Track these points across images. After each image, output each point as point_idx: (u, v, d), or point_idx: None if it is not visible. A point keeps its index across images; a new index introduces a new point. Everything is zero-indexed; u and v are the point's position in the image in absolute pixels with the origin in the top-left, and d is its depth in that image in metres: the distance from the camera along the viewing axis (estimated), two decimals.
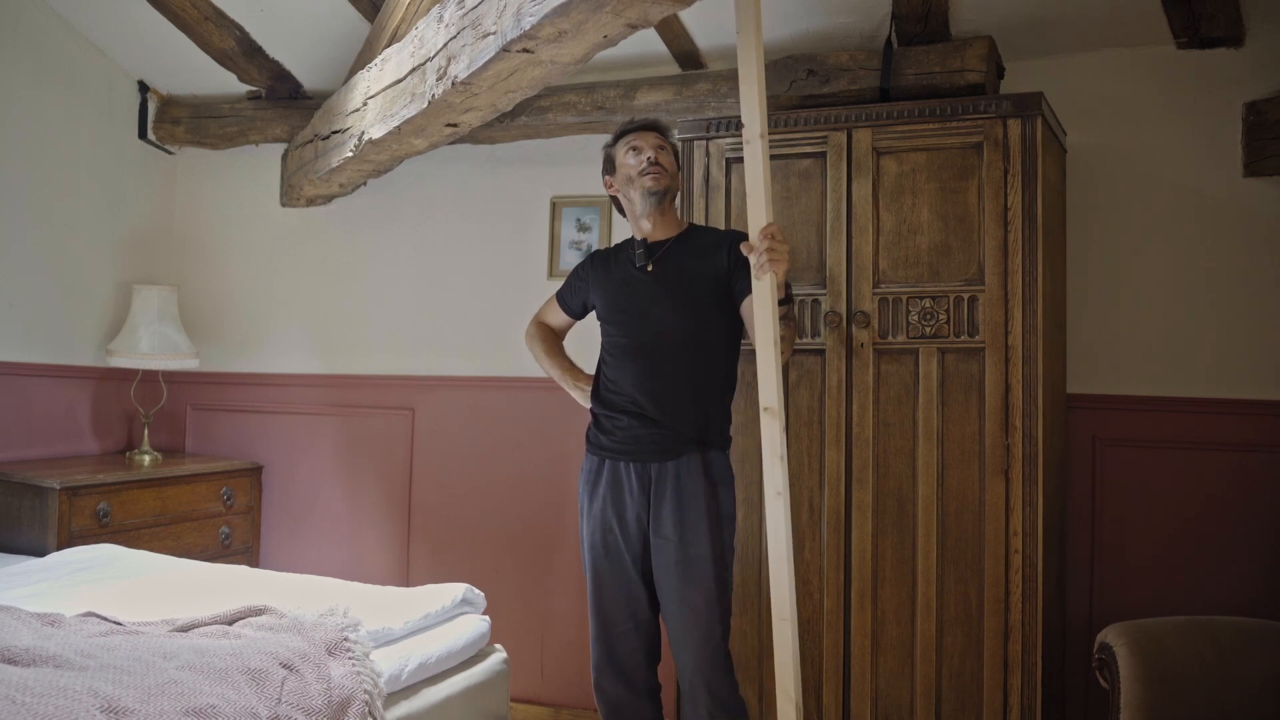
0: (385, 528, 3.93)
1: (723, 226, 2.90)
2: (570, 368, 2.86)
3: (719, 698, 2.46)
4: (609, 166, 2.70)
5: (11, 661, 1.97)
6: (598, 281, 2.72)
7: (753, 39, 2.10)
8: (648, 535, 2.52)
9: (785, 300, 2.40)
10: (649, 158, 2.59)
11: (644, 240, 2.64)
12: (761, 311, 2.23)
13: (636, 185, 2.61)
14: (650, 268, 2.60)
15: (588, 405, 2.71)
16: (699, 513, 2.46)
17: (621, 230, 3.62)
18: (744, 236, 2.57)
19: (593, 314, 2.81)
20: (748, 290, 2.41)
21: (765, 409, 2.20)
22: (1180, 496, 3.02)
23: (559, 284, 3.68)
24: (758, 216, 2.19)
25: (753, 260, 2.23)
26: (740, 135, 2.24)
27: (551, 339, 2.93)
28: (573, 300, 2.84)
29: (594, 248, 3.69)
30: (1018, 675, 2.61)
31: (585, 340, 2.99)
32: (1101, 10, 2.95)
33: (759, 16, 2.13)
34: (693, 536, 2.45)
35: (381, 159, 3.45)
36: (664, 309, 2.55)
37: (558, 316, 2.91)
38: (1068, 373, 3.12)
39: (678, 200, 2.78)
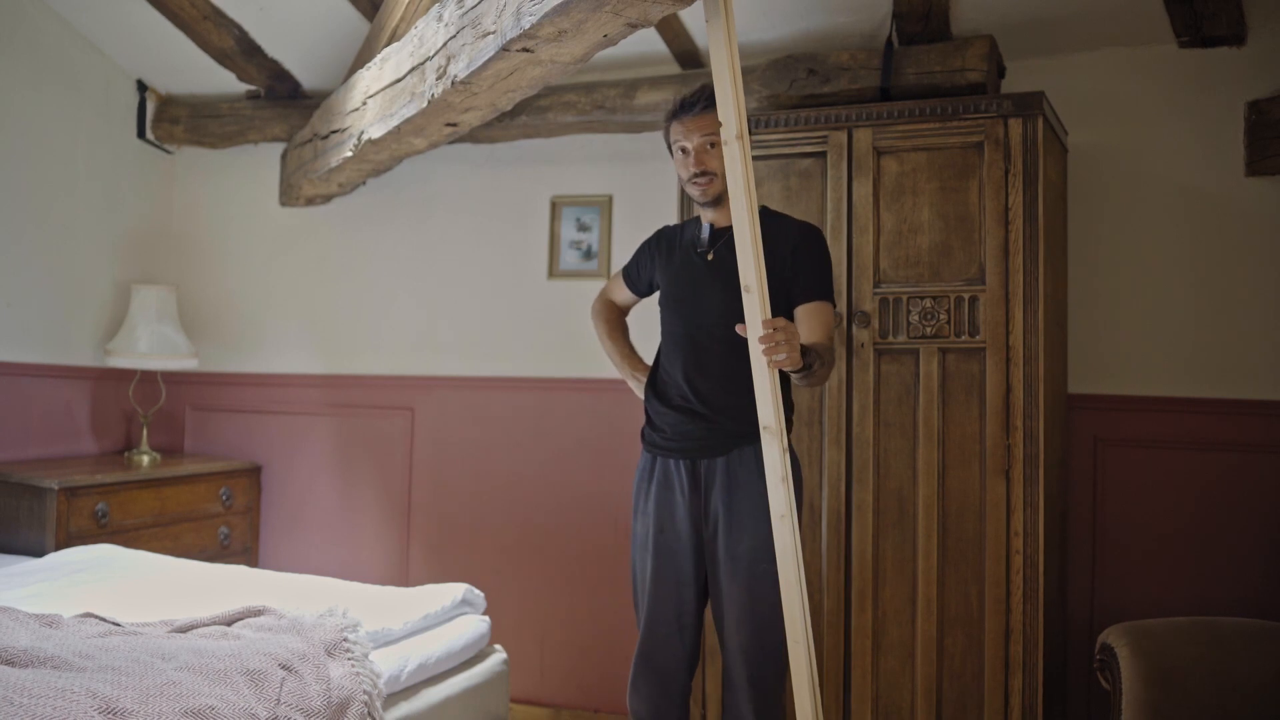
0: (384, 528, 3.93)
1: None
2: (630, 355, 2.74)
3: (764, 689, 2.37)
4: (667, 143, 2.52)
5: (9, 663, 1.97)
6: (661, 262, 2.60)
7: (724, 37, 2.07)
8: (699, 534, 2.44)
9: (804, 369, 2.25)
10: (693, 168, 2.42)
11: (710, 226, 2.51)
12: (753, 329, 2.13)
13: (687, 190, 2.49)
14: (710, 256, 2.48)
15: (643, 397, 2.62)
16: (749, 508, 2.37)
17: (622, 230, 3.62)
18: (817, 233, 2.48)
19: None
20: (802, 299, 2.36)
21: (764, 428, 2.15)
22: (1181, 497, 3.01)
23: (559, 284, 3.71)
24: (740, 218, 2.14)
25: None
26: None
27: (615, 318, 2.81)
28: (639, 277, 2.71)
29: (594, 248, 3.68)
30: (1019, 676, 2.61)
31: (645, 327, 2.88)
32: (1103, 9, 2.94)
33: (730, 14, 2.08)
34: (739, 533, 2.37)
35: (381, 159, 3.44)
36: (718, 299, 2.43)
37: (622, 293, 2.78)
38: (1069, 373, 3.11)
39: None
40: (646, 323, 2.81)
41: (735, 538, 2.39)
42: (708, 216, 2.52)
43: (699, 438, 2.43)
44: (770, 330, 2.10)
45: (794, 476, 2.40)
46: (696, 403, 2.44)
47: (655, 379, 2.56)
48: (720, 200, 2.45)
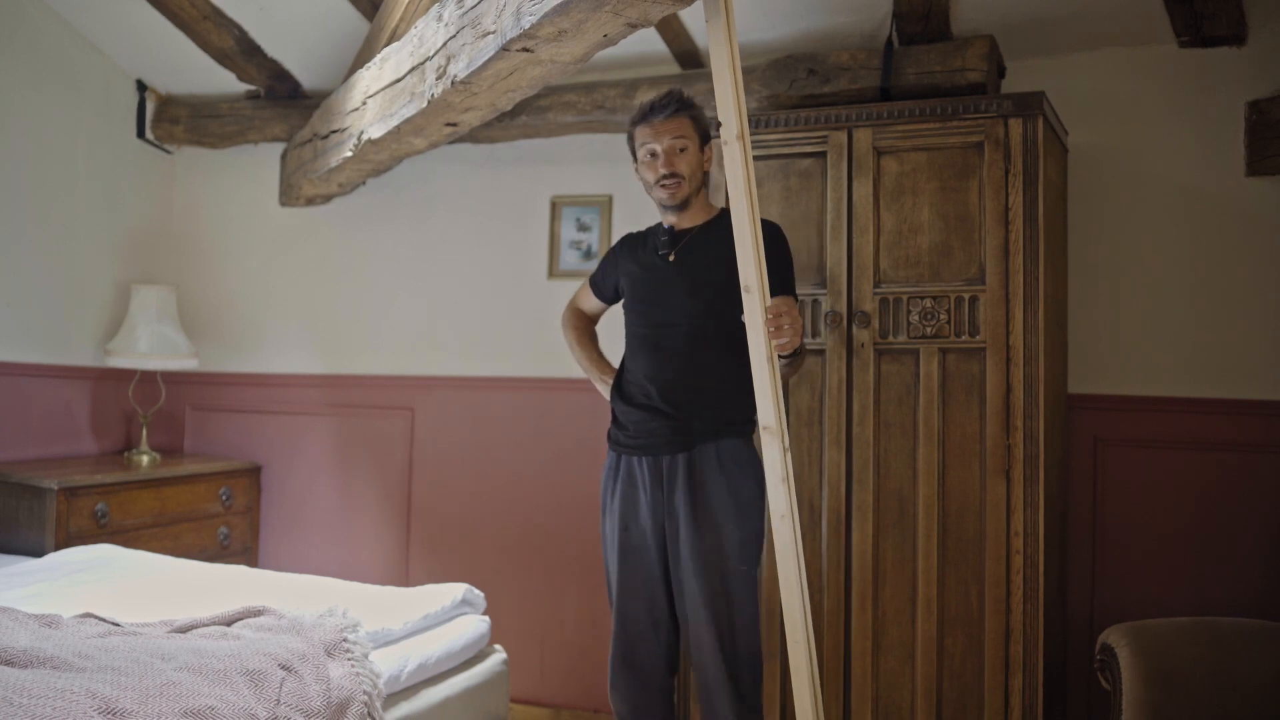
0: (384, 528, 3.93)
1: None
2: (598, 359, 2.77)
3: (740, 689, 2.38)
4: (631, 148, 2.56)
5: (9, 663, 1.96)
6: (625, 267, 2.64)
7: (724, 37, 2.07)
8: (664, 531, 2.47)
9: (794, 354, 2.34)
10: (662, 170, 2.46)
11: (670, 228, 2.55)
12: (753, 329, 2.16)
13: (653, 193, 2.52)
14: (672, 257, 2.52)
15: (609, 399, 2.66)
16: (712, 503, 2.40)
17: (622, 230, 3.61)
18: (778, 230, 2.52)
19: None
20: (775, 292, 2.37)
21: (764, 428, 2.16)
22: (1182, 497, 3.01)
23: (559, 284, 3.71)
24: (741, 220, 2.14)
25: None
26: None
27: (584, 325, 2.84)
28: (605, 285, 2.75)
29: (594, 248, 3.68)
30: (1019, 676, 2.61)
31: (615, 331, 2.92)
32: (1103, 9, 2.94)
33: (731, 14, 2.08)
34: (706, 527, 2.40)
35: (381, 158, 3.44)
36: (682, 300, 2.48)
37: (590, 301, 2.82)
38: (1069, 373, 3.11)
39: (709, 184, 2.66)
40: (616, 329, 2.86)
41: (699, 534, 2.41)
42: (669, 219, 2.57)
43: (662, 435, 2.46)
44: (775, 314, 2.15)
45: (744, 476, 2.45)
46: (660, 401, 2.47)
47: (620, 379, 2.60)
48: (687, 203, 2.51)
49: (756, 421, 2.51)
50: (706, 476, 2.42)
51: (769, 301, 2.15)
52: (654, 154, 2.47)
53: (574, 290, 3.64)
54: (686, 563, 2.42)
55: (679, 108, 2.48)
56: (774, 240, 2.48)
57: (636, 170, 2.56)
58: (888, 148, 2.80)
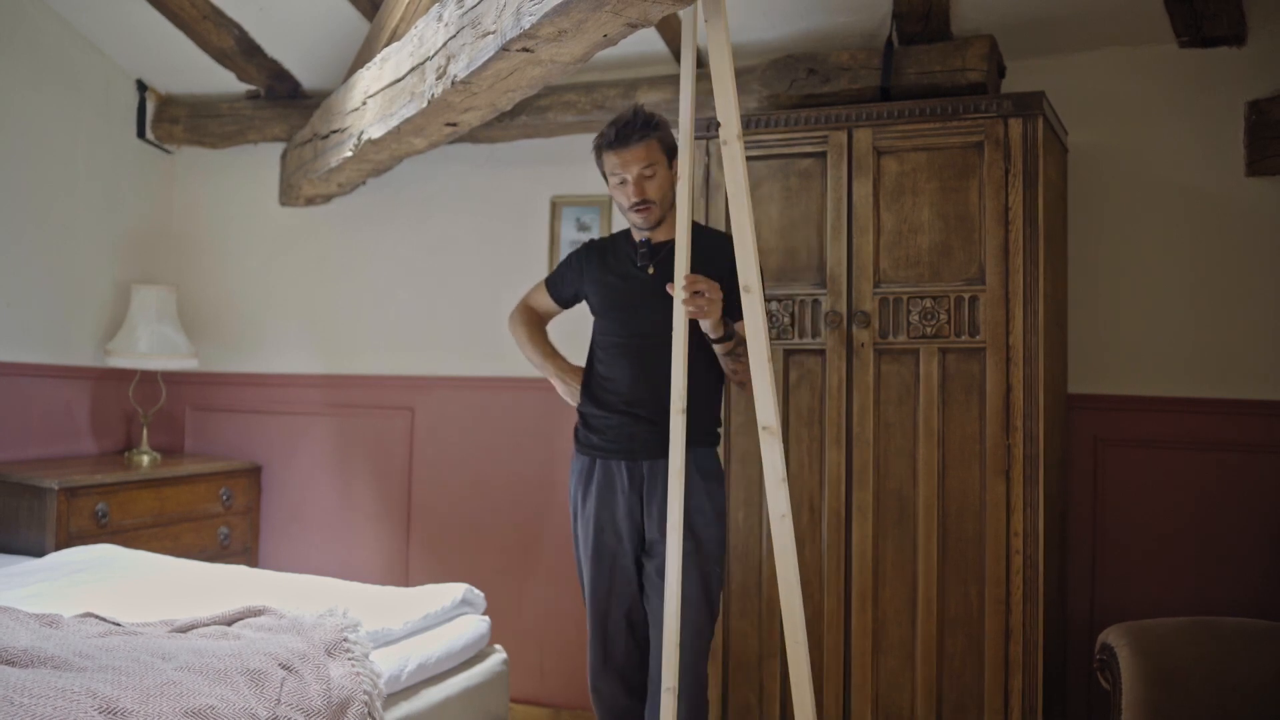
0: (384, 528, 3.93)
1: (723, 226, 2.88)
2: (554, 355, 2.78)
3: (700, 688, 2.48)
4: (600, 169, 2.58)
5: (9, 663, 1.97)
6: (593, 276, 2.66)
7: (723, 35, 2.07)
8: (641, 533, 2.51)
9: (725, 339, 2.41)
10: (634, 198, 2.49)
11: (646, 241, 2.57)
12: (753, 330, 2.16)
13: (626, 216, 2.56)
14: (652, 270, 2.56)
15: (573, 402, 2.69)
16: (694, 508, 2.45)
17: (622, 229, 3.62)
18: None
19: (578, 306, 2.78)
20: (737, 315, 2.38)
21: (764, 428, 2.16)
22: (1182, 497, 3.01)
23: None
24: (741, 219, 2.14)
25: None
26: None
27: (537, 325, 2.85)
28: (564, 290, 2.76)
29: None
30: (1019, 676, 2.61)
31: (577, 335, 2.96)
32: (1103, 9, 2.94)
33: (725, 14, 2.08)
34: (688, 530, 2.43)
35: (381, 158, 3.44)
36: (663, 312, 2.49)
37: (546, 303, 2.82)
38: (1069, 373, 3.11)
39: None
40: (568, 332, 2.97)
41: (684, 535, 2.42)
42: (644, 233, 2.59)
43: (643, 440, 2.51)
44: (691, 284, 2.25)
45: (716, 483, 2.53)
46: (642, 408, 2.51)
47: (590, 385, 2.62)
48: (661, 223, 2.55)
49: (719, 436, 2.63)
50: (689, 482, 2.44)
51: (762, 311, 2.15)
52: (624, 181, 2.50)
53: None
54: (663, 564, 2.44)
55: (645, 132, 2.48)
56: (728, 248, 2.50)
57: (609, 189, 2.59)
58: (888, 148, 2.80)
